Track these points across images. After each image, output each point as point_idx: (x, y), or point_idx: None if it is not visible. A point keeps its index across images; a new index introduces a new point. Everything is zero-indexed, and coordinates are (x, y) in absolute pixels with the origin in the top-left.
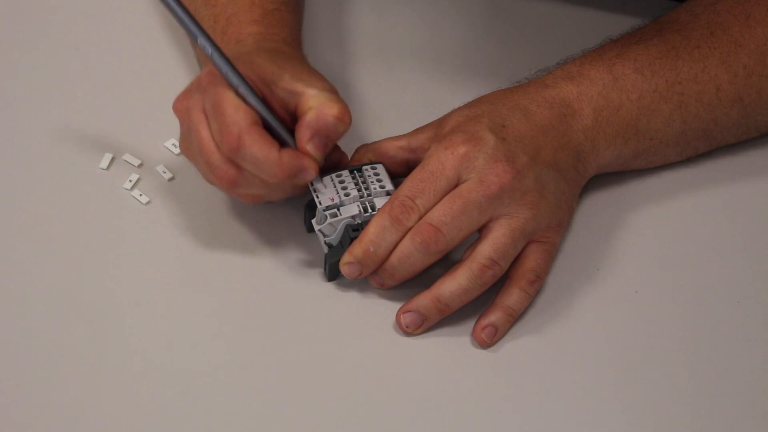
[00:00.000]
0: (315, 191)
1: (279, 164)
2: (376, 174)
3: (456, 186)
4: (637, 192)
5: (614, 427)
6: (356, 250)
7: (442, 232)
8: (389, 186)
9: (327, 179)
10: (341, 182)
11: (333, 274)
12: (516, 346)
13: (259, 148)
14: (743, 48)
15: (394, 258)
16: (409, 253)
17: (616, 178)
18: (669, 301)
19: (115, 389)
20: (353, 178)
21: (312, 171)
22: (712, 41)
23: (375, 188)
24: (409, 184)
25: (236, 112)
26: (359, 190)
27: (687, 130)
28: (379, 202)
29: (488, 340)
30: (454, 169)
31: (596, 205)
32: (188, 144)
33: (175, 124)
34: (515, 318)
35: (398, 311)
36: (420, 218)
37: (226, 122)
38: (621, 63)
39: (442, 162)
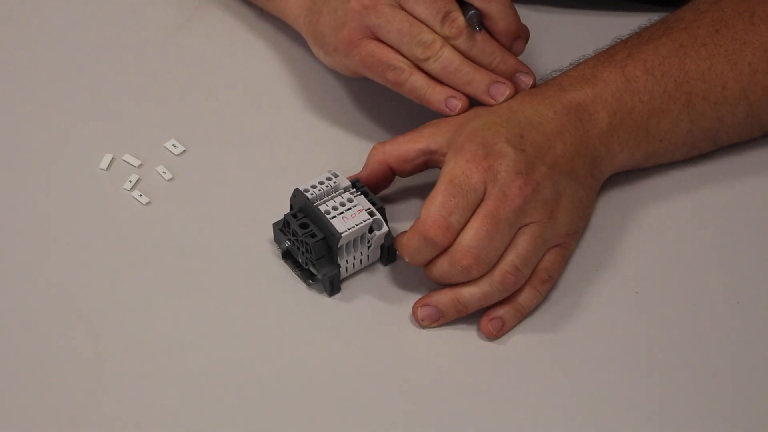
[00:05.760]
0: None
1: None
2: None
3: (482, 198)
4: (638, 192)
5: (613, 427)
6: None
7: (481, 258)
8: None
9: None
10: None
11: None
12: (516, 344)
13: None
14: (748, 46)
15: (436, 273)
16: (450, 275)
17: (617, 177)
18: (669, 301)
19: (114, 389)
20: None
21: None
22: (717, 39)
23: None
24: (440, 199)
25: None
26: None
27: (694, 130)
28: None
29: (495, 332)
30: (481, 182)
31: (597, 205)
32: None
33: (175, 124)
34: (524, 315)
35: (416, 303)
36: (456, 236)
37: None
38: (632, 64)
39: (468, 176)
